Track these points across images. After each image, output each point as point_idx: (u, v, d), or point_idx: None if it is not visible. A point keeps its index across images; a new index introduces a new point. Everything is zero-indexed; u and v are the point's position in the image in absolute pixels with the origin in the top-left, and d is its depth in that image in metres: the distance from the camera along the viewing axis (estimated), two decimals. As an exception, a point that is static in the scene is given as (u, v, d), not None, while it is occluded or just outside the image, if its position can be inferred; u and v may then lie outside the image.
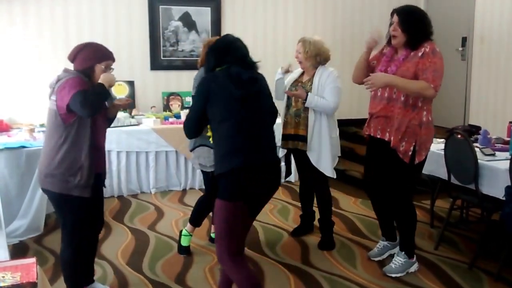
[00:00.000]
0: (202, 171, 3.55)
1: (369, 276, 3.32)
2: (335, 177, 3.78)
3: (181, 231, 3.71)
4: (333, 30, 6.48)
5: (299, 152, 3.73)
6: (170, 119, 5.35)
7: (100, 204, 2.91)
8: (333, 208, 4.00)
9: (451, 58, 5.78)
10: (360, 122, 5.62)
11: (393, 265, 3.35)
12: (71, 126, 2.59)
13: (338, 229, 4.14)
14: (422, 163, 3.19)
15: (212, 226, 3.79)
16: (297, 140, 3.71)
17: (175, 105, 5.75)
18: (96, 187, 2.76)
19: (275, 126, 2.92)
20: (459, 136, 3.53)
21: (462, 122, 5.86)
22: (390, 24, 3.14)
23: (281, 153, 3.93)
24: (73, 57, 2.69)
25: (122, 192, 5.13)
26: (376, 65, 3.30)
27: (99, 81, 2.62)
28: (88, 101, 2.49)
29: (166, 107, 5.75)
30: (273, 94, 3.73)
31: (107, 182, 3.20)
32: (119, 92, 5.48)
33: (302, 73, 3.80)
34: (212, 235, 3.77)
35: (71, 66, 2.71)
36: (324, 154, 3.66)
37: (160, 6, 5.73)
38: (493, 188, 3.28)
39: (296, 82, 3.76)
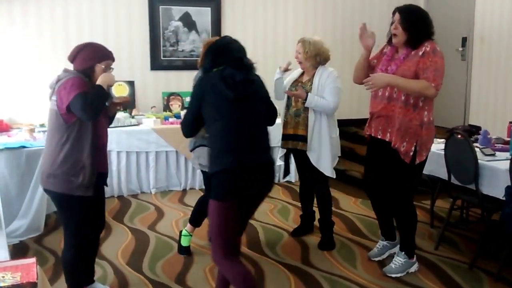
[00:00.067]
0: (202, 171, 3.55)
1: (369, 276, 3.32)
2: (334, 177, 3.79)
3: (181, 231, 3.71)
4: (333, 30, 6.48)
5: (299, 152, 3.73)
6: (170, 119, 5.35)
7: (101, 204, 2.91)
8: (333, 208, 4.00)
9: (451, 58, 5.78)
10: (360, 122, 5.63)
11: (393, 265, 3.35)
12: (73, 125, 2.59)
13: (338, 229, 4.14)
14: (423, 163, 3.19)
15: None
16: (296, 140, 3.71)
17: (175, 105, 5.75)
18: (98, 187, 2.77)
19: (275, 126, 2.95)
20: (459, 136, 3.53)
21: (462, 122, 5.86)
22: (392, 23, 3.14)
23: (280, 153, 3.94)
24: (73, 58, 2.69)
25: (122, 192, 5.13)
26: (376, 65, 3.30)
27: (98, 82, 2.62)
28: (88, 104, 2.49)
29: (166, 107, 5.75)
30: (272, 94, 3.76)
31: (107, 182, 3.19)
32: (119, 92, 5.49)
33: (302, 73, 3.80)
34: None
35: (71, 66, 2.71)
36: (324, 154, 3.66)
37: (160, 6, 5.73)
38: (493, 188, 3.28)
39: (296, 82, 3.76)
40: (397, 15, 3.10)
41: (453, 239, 3.96)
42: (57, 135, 2.61)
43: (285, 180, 5.66)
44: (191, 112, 2.63)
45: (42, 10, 5.33)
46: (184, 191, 5.35)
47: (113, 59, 2.75)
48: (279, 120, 3.31)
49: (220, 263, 2.55)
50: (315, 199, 3.94)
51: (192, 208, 3.74)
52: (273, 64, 4.71)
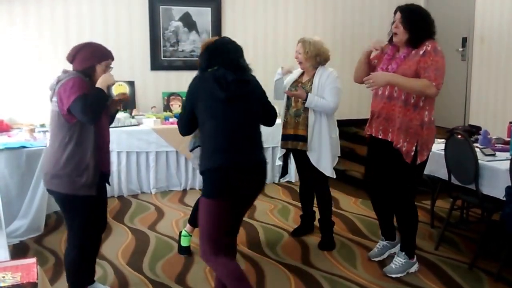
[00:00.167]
0: (202, 171, 3.55)
1: (370, 277, 3.32)
2: (334, 177, 3.79)
3: (180, 232, 3.72)
4: (333, 31, 6.49)
5: (299, 152, 3.73)
6: (171, 119, 5.35)
7: (103, 204, 2.92)
8: (333, 208, 4.01)
9: (451, 59, 5.77)
10: (360, 122, 5.64)
11: (393, 265, 3.35)
12: (75, 126, 2.59)
13: (338, 229, 4.14)
14: (424, 163, 3.18)
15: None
16: (296, 140, 3.72)
17: (175, 105, 5.75)
18: (100, 187, 2.77)
19: (274, 126, 2.96)
20: (459, 136, 3.53)
21: (462, 122, 5.87)
22: (393, 22, 3.14)
23: (280, 153, 3.94)
24: (72, 58, 2.69)
25: (122, 192, 5.13)
26: (377, 64, 3.30)
27: (98, 84, 2.62)
28: (89, 107, 2.49)
29: (167, 107, 5.75)
30: (272, 94, 3.76)
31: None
32: (118, 91, 5.47)
33: (302, 74, 3.80)
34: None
35: (70, 67, 2.71)
36: (324, 154, 3.66)
37: (161, 6, 5.73)
38: (494, 188, 3.28)
39: (296, 83, 3.76)
40: (398, 14, 3.10)
41: (453, 239, 3.96)
42: (59, 136, 2.62)
43: (284, 180, 5.67)
44: (185, 111, 2.68)
45: (42, 10, 5.33)
46: (184, 191, 5.35)
47: (112, 58, 2.76)
48: (279, 121, 3.31)
49: (208, 260, 2.59)
50: (315, 199, 3.94)
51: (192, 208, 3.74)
52: (273, 65, 4.72)
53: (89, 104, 2.50)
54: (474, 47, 5.78)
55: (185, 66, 5.84)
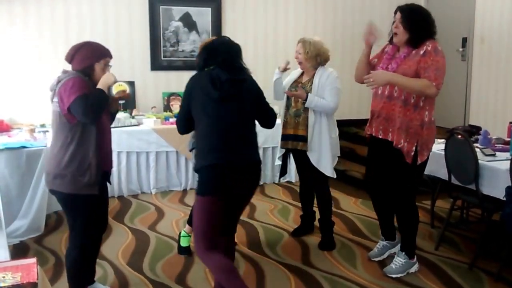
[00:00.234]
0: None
1: (370, 277, 3.32)
2: (335, 177, 3.79)
3: (180, 233, 3.72)
4: (333, 31, 6.49)
5: (299, 152, 3.74)
6: (171, 120, 5.34)
7: (105, 203, 2.92)
8: (333, 209, 4.01)
9: (452, 59, 5.77)
10: (361, 123, 5.64)
11: (393, 265, 3.35)
12: (77, 125, 2.60)
13: (339, 229, 4.14)
14: (424, 163, 3.18)
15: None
16: (297, 141, 3.72)
17: (175, 106, 5.74)
18: (102, 186, 2.78)
19: (274, 127, 2.96)
20: (459, 136, 3.53)
21: (463, 123, 5.86)
22: (393, 22, 3.14)
23: (279, 153, 3.95)
24: (70, 58, 2.70)
25: (122, 192, 5.13)
26: (377, 63, 3.30)
27: (99, 86, 2.63)
28: (89, 107, 2.50)
29: (167, 108, 5.75)
30: (272, 95, 3.77)
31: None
32: (118, 89, 5.47)
33: (302, 74, 3.80)
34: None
35: (69, 67, 2.71)
36: (324, 154, 3.66)
37: (161, 7, 5.73)
38: (494, 188, 3.28)
39: (296, 83, 3.76)
40: (398, 14, 3.10)
41: (454, 239, 3.96)
42: (61, 136, 2.62)
43: (284, 180, 5.67)
44: (182, 110, 2.73)
45: (42, 10, 5.33)
46: (185, 191, 5.35)
47: (111, 56, 2.77)
48: (278, 121, 3.31)
49: (201, 256, 2.64)
50: (315, 199, 3.94)
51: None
52: (273, 65, 4.70)
53: (89, 104, 2.50)
54: (474, 47, 5.78)
55: (185, 66, 5.84)
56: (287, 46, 6.02)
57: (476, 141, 3.86)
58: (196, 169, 2.64)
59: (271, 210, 4.71)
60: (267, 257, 3.63)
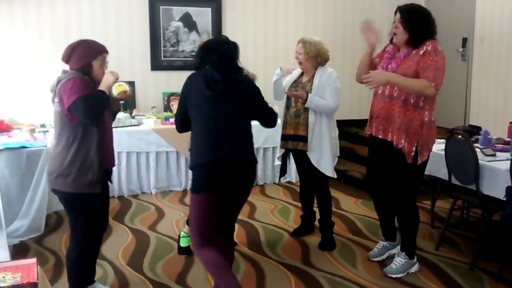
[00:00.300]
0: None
1: (370, 277, 3.32)
2: (335, 177, 3.79)
3: (180, 233, 3.72)
4: (333, 31, 6.48)
5: (299, 152, 3.73)
6: (171, 120, 5.34)
7: (106, 203, 2.92)
8: (333, 209, 4.00)
9: (452, 59, 5.77)
10: (361, 123, 5.64)
11: (393, 265, 3.35)
12: (78, 125, 2.61)
13: (339, 229, 4.14)
14: (424, 163, 3.18)
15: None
16: (297, 141, 3.72)
17: (175, 106, 5.73)
18: (104, 185, 2.78)
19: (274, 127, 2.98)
20: (459, 136, 3.53)
21: (463, 123, 5.86)
22: (394, 22, 3.14)
23: (279, 153, 3.95)
24: (67, 57, 2.70)
25: (122, 193, 5.13)
26: (378, 63, 3.30)
27: (100, 87, 2.64)
28: (89, 107, 2.50)
29: (167, 108, 5.75)
30: (271, 95, 3.77)
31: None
32: (118, 90, 5.48)
33: (302, 74, 3.80)
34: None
35: (68, 67, 2.72)
36: (324, 154, 3.66)
37: (161, 7, 5.73)
38: (494, 188, 3.28)
39: (296, 83, 3.76)
40: (398, 14, 3.10)
41: (454, 240, 3.96)
42: (64, 136, 2.63)
43: (285, 180, 5.67)
44: (179, 110, 2.77)
45: (42, 10, 5.33)
46: (185, 191, 5.35)
47: (107, 52, 2.78)
48: (279, 121, 3.31)
49: (196, 252, 2.72)
50: (315, 199, 3.94)
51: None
52: (273, 65, 4.71)
53: (89, 105, 2.50)
54: (474, 47, 5.78)
55: (185, 66, 5.83)
56: (287, 46, 6.03)
57: (476, 141, 3.86)
58: (190, 167, 2.69)
59: (271, 210, 4.71)
60: (267, 257, 3.63)
